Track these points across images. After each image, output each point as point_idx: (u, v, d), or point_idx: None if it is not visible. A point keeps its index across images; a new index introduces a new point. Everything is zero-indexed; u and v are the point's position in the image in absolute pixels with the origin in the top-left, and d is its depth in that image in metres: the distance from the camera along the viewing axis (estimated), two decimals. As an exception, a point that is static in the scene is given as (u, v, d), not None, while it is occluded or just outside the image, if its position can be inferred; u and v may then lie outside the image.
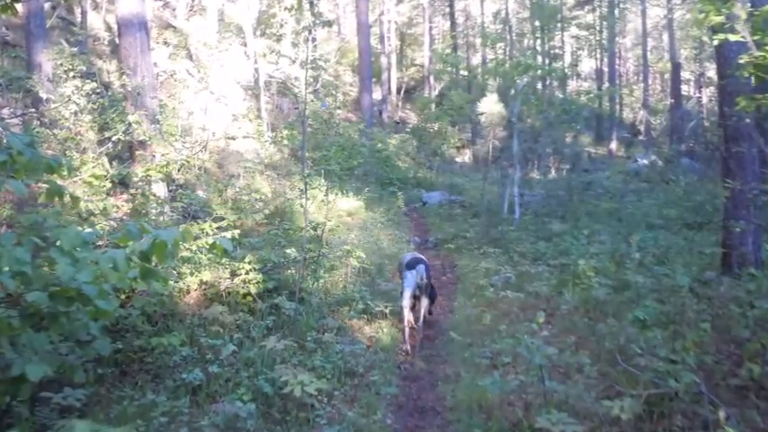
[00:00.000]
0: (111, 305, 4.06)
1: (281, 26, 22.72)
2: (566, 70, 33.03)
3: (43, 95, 10.58)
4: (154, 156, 10.20)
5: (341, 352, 7.00)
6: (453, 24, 39.98)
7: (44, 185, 4.14)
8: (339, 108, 23.84)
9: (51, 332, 4.26)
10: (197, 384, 5.75)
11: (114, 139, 9.81)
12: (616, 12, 35.40)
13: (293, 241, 10.12)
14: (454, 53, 35.50)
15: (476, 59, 41.31)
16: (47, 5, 14.62)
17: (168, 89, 16.18)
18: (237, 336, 6.80)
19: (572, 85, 42.74)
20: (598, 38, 39.03)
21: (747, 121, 8.29)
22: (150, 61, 11.47)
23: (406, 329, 8.03)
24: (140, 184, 9.40)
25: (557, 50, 35.54)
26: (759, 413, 5.00)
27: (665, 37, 40.22)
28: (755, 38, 5.72)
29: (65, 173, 4.24)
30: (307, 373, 5.97)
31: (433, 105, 30.32)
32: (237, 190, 12.19)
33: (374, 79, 30.99)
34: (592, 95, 34.08)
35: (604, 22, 36.07)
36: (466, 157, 32.20)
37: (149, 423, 5.00)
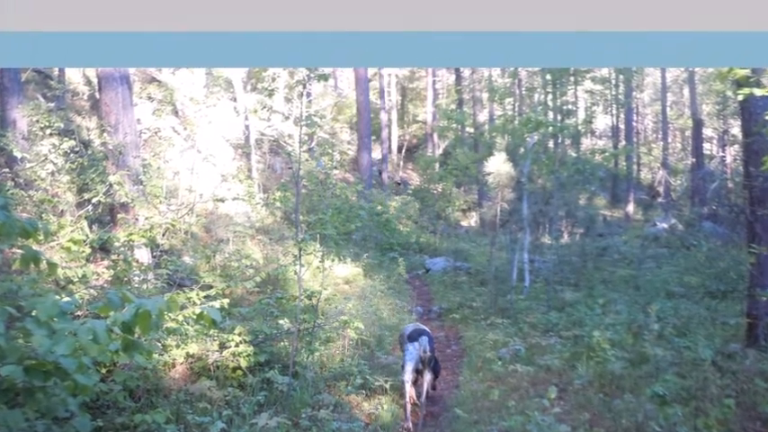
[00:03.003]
0: (90, 380, 4.07)
1: (274, 80, 23.19)
2: (579, 127, 33.38)
3: (18, 154, 10.60)
4: (137, 219, 10.26)
5: (338, 430, 7.05)
6: (458, 78, 40.48)
7: (19, 251, 4.15)
8: (336, 168, 24.13)
9: (27, 408, 4.27)
10: (183, 465, 5.79)
11: (94, 201, 9.83)
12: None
13: (286, 311, 10.19)
14: (459, 109, 35.86)
15: (483, 116, 41.66)
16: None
17: (152, 147, 16.39)
18: (227, 412, 6.85)
19: (586, 143, 42.98)
20: (614, 92, 39.37)
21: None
22: (133, 117, 11.60)
23: (408, 406, 8.07)
24: (122, 249, 9.45)
25: (569, 106, 35.73)
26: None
27: (686, 91, 40.83)
28: (783, 92, 5.86)
29: (41, 237, 4.24)
30: (301, 452, 6.02)
31: (437, 165, 30.65)
32: (227, 256, 12.30)
33: (373, 137, 31.34)
34: (607, 154, 34.13)
35: (621, 76, 36.42)
36: (472, 220, 32.41)
37: (132, 506, 5.04)
